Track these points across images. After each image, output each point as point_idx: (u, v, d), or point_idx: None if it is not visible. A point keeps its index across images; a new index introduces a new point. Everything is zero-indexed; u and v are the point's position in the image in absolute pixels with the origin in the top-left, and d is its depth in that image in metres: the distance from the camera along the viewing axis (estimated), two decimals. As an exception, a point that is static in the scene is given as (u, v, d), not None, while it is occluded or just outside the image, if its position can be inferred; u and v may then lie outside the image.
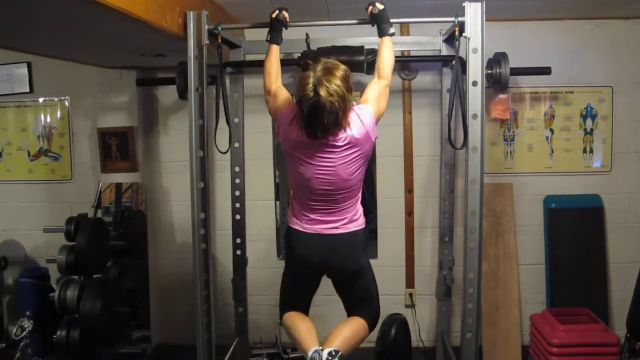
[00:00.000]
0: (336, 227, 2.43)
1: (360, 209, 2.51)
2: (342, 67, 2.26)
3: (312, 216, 2.44)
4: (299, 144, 2.33)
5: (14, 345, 3.41)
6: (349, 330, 2.44)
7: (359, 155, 2.34)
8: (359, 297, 2.56)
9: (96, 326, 3.36)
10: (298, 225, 2.48)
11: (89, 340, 3.41)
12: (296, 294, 2.61)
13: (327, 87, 2.15)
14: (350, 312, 2.57)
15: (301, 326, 2.44)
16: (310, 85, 2.17)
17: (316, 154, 2.31)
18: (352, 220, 2.46)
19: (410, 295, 3.91)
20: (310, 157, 2.32)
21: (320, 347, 2.28)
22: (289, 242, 2.54)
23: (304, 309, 2.59)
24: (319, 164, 2.32)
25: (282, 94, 2.49)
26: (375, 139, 2.39)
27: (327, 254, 2.44)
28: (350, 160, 2.32)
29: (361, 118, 2.32)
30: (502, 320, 3.69)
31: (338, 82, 2.18)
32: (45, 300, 3.60)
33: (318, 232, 2.44)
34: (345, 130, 2.28)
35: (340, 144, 2.29)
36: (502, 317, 3.69)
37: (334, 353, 2.23)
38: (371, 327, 2.55)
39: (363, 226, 2.51)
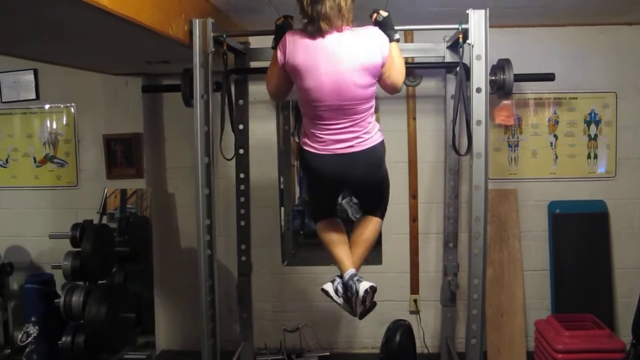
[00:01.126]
0: (351, 146, 2.40)
1: (375, 124, 2.47)
2: None
3: (324, 136, 2.40)
4: (303, 49, 2.31)
5: (19, 351, 3.43)
6: (369, 233, 2.69)
7: (365, 63, 2.30)
8: (376, 201, 2.72)
9: (101, 332, 3.38)
10: (311, 148, 2.45)
11: (94, 346, 3.43)
12: (322, 202, 2.75)
13: None
14: (366, 210, 2.75)
15: (337, 245, 2.63)
16: None
17: (321, 58, 2.28)
18: (367, 137, 2.42)
19: (415, 301, 3.91)
20: (316, 63, 2.29)
21: (357, 274, 2.51)
22: (304, 160, 2.54)
23: (333, 211, 2.76)
24: (325, 70, 2.28)
25: None
26: (385, 58, 2.36)
27: (344, 170, 2.44)
28: (356, 67, 2.29)
29: (379, 32, 2.38)
30: (507, 326, 3.69)
31: None
32: (50, 306, 3.61)
33: (333, 153, 2.42)
34: (351, 28, 2.31)
35: (347, 41, 2.28)
36: (507, 323, 3.69)
37: (369, 290, 2.40)
38: (382, 218, 2.75)
39: (380, 140, 2.48)
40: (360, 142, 2.41)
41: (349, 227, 2.77)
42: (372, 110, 2.44)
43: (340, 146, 2.40)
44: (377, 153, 2.48)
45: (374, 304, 2.51)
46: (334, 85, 2.29)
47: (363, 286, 2.40)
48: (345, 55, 2.29)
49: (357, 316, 2.51)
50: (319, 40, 2.30)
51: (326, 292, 2.51)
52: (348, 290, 2.47)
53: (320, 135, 2.42)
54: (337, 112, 2.35)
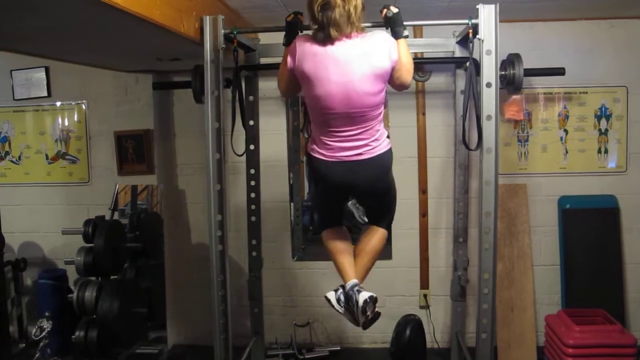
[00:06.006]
0: (360, 154, 2.41)
1: (383, 131, 2.48)
2: None
3: (333, 143, 2.41)
4: (313, 57, 2.32)
5: (33, 345, 3.47)
6: (374, 243, 2.68)
7: (375, 70, 2.30)
8: (382, 211, 2.72)
9: (113, 327, 3.41)
10: (319, 154, 2.46)
11: (107, 341, 3.46)
12: (328, 211, 2.73)
13: None
14: (371, 220, 2.75)
15: (341, 254, 2.63)
16: None
17: (331, 65, 2.29)
18: (376, 144, 2.43)
19: (425, 296, 3.91)
20: (325, 71, 2.30)
21: (359, 284, 2.50)
22: (311, 168, 2.55)
23: (339, 220, 2.74)
24: (335, 78, 2.29)
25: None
26: (394, 62, 2.36)
27: (352, 178, 2.45)
28: (366, 74, 2.29)
29: (387, 37, 2.38)
30: (517, 321, 3.69)
31: None
32: (63, 301, 3.66)
33: (341, 160, 2.42)
34: (361, 35, 2.31)
35: (356, 49, 2.29)
36: (517, 318, 3.69)
37: (368, 300, 2.38)
38: (388, 230, 2.77)
39: (387, 147, 2.49)
40: (369, 149, 2.42)
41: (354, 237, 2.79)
42: (381, 117, 2.45)
43: (348, 153, 2.41)
44: (384, 161, 2.49)
45: (377, 315, 2.48)
46: (344, 93, 2.30)
47: (362, 296, 2.39)
48: (355, 63, 2.29)
49: (361, 326, 2.47)
50: (329, 48, 2.30)
51: (328, 300, 2.50)
52: (349, 300, 2.45)
53: (329, 142, 2.42)
54: (347, 120, 2.36)
